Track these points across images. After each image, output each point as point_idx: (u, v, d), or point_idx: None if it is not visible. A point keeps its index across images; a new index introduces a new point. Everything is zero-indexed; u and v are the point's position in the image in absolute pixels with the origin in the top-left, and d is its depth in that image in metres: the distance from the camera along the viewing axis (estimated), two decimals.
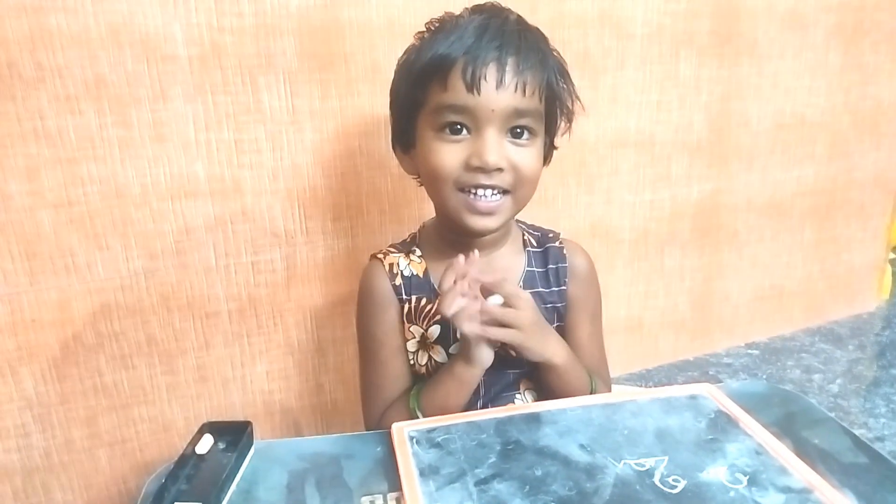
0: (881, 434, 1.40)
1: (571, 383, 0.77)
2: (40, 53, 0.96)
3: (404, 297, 0.80)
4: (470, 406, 0.76)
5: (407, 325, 0.81)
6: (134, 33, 1.00)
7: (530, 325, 0.71)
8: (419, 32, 0.79)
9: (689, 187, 1.57)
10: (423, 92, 0.74)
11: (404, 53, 0.80)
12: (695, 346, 1.74)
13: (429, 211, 0.86)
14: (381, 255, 0.84)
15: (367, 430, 0.81)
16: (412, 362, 0.82)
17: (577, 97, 0.79)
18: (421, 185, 0.82)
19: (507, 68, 0.70)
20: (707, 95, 1.50)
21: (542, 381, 0.79)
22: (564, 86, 0.77)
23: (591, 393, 0.79)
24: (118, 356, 1.12)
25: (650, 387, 1.54)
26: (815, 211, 1.78)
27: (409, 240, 0.87)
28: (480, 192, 0.73)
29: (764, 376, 1.65)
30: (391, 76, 0.82)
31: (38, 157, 1.00)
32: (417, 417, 0.74)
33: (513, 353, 0.76)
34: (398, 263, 0.82)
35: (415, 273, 0.81)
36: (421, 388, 0.78)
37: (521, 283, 0.82)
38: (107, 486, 1.18)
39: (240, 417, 1.00)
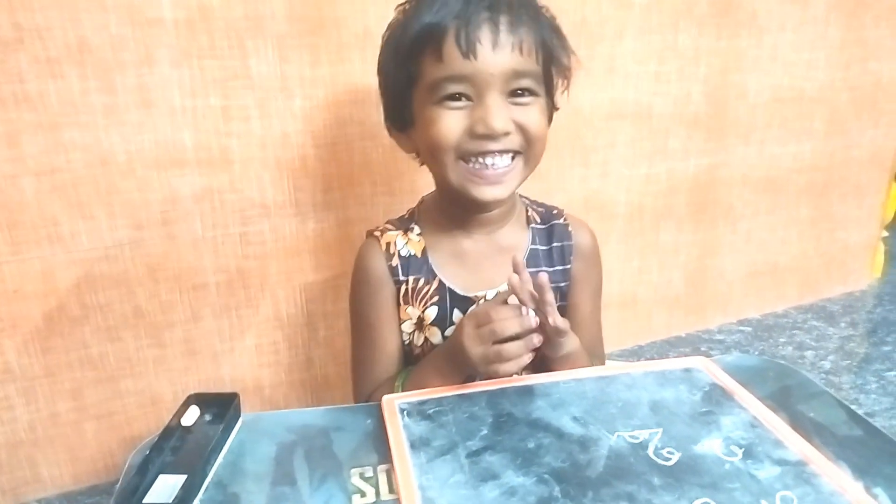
0: (871, 410, 1.41)
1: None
2: (19, 13, 0.93)
3: (401, 278, 0.78)
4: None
5: (403, 306, 0.78)
6: None
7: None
8: (400, 5, 0.75)
9: (685, 161, 1.55)
10: (416, 66, 0.71)
11: (388, 29, 0.76)
12: (688, 323, 1.74)
13: (422, 183, 0.83)
14: (377, 233, 0.80)
15: None
16: (408, 342, 0.80)
17: (573, 52, 0.76)
18: (422, 164, 0.79)
19: (501, 27, 0.67)
20: (706, 67, 1.48)
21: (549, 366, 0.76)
22: (558, 42, 0.74)
23: None
24: (104, 328, 1.11)
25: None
26: (811, 187, 1.76)
27: (407, 216, 0.84)
28: (489, 159, 0.70)
29: (756, 353, 1.65)
30: None
31: (18, 121, 0.97)
32: None
33: None
34: (395, 242, 0.79)
35: (413, 253, 0.79)
36: (407, 376, 0.76)
37: (525, 262, 0.79)
38: (93, 459, 1.18)
39: (228, 391, 0.99)
